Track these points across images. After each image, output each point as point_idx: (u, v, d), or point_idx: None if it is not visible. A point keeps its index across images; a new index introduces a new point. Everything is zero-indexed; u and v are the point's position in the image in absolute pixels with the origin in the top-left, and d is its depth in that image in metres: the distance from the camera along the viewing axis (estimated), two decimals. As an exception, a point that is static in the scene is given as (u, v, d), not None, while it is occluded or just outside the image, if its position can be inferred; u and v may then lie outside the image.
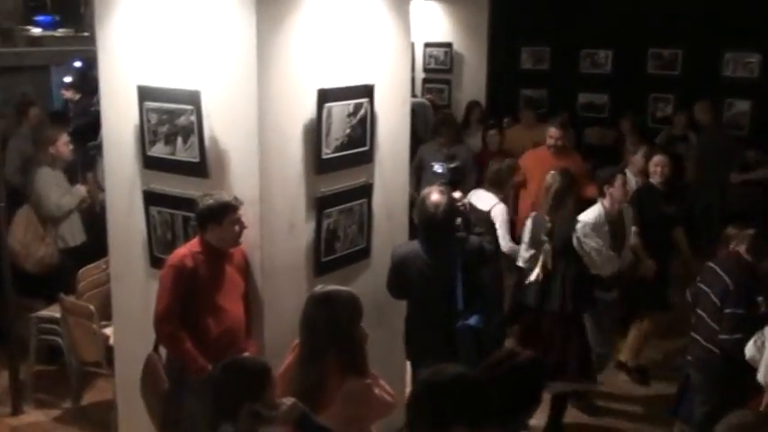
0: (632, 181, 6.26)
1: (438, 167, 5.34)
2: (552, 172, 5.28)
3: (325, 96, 4.26)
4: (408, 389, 4.82)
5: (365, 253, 4.78)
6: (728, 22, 9.74)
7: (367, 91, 4.56)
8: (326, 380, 3.36)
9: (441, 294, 4.37)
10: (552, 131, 6.58)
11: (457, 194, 4.72)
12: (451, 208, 4.37)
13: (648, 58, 10.66)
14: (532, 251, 5.10)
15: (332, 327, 3.37)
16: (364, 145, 4.61)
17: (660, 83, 10.57)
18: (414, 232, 4.83)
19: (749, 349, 4.19)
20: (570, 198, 5.16)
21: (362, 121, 4.56)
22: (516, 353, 2.86)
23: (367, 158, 4.67)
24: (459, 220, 4.54)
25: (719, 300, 4.51)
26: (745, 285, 4.47)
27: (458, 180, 5.50)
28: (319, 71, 4.27)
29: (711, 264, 4.73)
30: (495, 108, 10.27)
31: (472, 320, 4.30)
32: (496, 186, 5.84)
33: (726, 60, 10.15)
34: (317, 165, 4.31)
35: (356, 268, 4.74)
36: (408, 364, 4.85)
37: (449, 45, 10.78)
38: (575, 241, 5.05)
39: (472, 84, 10.64)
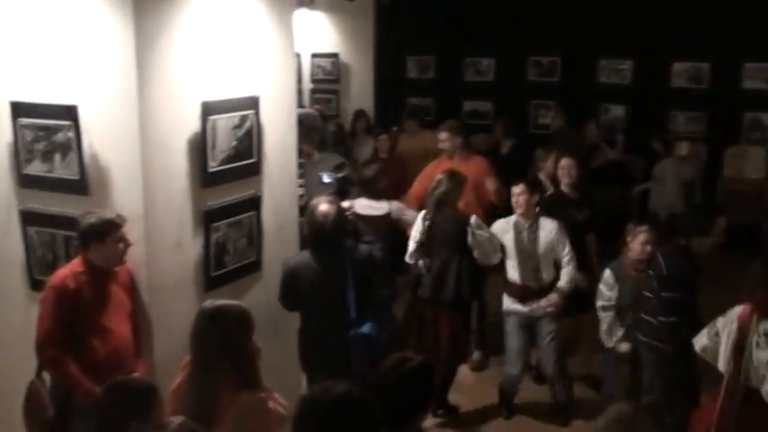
0: (548, 185, 6.47)
1: (326, 177, 5.35)
2: (440, 175, 5.44)
3: (209, 109, 4.21)
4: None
5: (256, 266, 4.74)
6: (602, 31, 10.23)
7: (252, 103, 4.54)
8: (219, 395, 3.32)
9: (333, 304, 4.38)
10: (441, 135, 6.71)
11: (345, 204, 4.75)
12: (340, 217, 4.40)
13: (528, 65, 11.05)
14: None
15: (223, 341, 3.33)
16: (251, 157, 4.58)
17: (540, 90, 10.96)
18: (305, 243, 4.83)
19: (700, 341, 4.24)
20: (454, 198, 5.43)
21: (249, 133, 4.53)
22: (407, 359, 2.90)
23: (254, 170, 4.64)
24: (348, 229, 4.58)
25: (657, 284, 4.72)
26: (678, 271, 4.69)
27: (346, 190, 5.53)
28: (203, 83, 4.22)
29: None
30: (383, 117, 10.40)
31: (365, 329, 4.33)
32: (371, 192, 5.92)
33: (600, 67, 10.63)
34: (204, 178, 4.26)
35: (247, 281, 4.70)
36: (304, 375, 4.84)
37: (335, 55, 10.83)
38: (468, 236, 5.29)
39: (359, 93, 10.72)
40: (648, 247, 5.04)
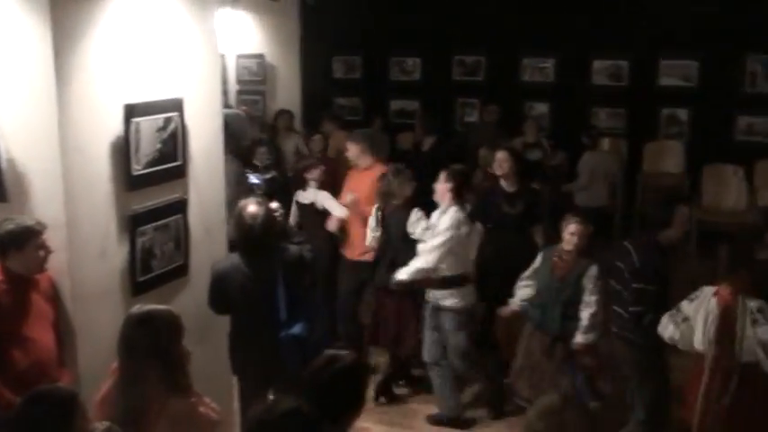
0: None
1: (254, 178, 5.31)
2: (385, 172, 5.88)
3: (131, 111, 4.13)
4: (236, 404, 4.78)
5: (184, 270, 4.67)
6: (525, 30, 10.43)
7: (176, 104, 4.47)
8: (149, 402, 3.26)
9: (263, 306, 4.36)
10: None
11: (274, 205, 4.72)
12: (269, 219, 4.37)
13: (453, 64, 11.17)
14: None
15: (152, 346, 3.28)
16: (176, 159, 4.51)
17: (465, 88, 11.10)
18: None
19: (667, 331, 4.37)
20: (399, 192, 5.71)
21: (173, 135, 4.46)
22: (337, 357, 2.91)
23: (180, 173, 4.57)
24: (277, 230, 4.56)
25: (629, 275, 4.82)
26: (651, 263, 4.78)
27: (275, 190, 5.51)
28: (125, 85, 4.13)
29: (625, 242, 5.04)
30: (310, 117, 10.39)
31: (296, 330, 4.32)
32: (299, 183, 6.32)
33: (524, 66, 10.83)
34: (128, 182, 4.18)
35: (175, 286, 4.62)
36: (235, 378, 4.79)
37: (261, 56, 10.77)
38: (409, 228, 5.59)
39: (286, 94, 10.69)
40: (576, 238, 5.17)
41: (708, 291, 4.27)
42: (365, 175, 6.28)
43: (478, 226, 6.24)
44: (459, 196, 5.48)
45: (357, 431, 2.99)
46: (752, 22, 9.35)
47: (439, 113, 10.94)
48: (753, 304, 4.11)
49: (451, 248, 5.38)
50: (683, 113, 10.18)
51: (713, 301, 4.19)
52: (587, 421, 2.41)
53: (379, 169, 6.23)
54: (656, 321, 4.56)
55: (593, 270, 5.16)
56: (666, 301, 4.72)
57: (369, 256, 6.02)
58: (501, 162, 6.34)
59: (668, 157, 10.14)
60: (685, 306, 4.35)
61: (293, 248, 4.59)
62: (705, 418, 4.13)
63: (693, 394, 4.28)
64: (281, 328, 4.30)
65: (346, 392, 2.88)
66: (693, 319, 4.26)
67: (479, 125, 10.26)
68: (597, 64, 10.46)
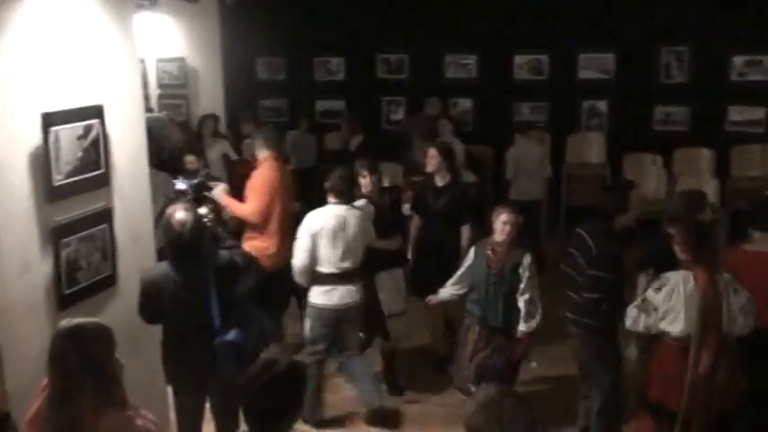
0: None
1: (180, 184, 5.20)
2: None
3: (50, 120, 4.01)
4: (172, 414, 4.70)
5: (112, 280, 4.56)
6: (446, 27, 10.54)
7: (96, 111, 4.36)
8: (82, 418, 3.16)
9: (196, 313, 4.28)
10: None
11: (203, 210, 4.65)
12: (198, 224, 4.29)
13: (377, 63, 11.20)
14: None
15: (83, 361, 3.18)
16: (99, 168, 4.40)
17: (390, 87, 11.15)
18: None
19: (637, 321, 4.40)
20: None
21: (95, 143, 4.35)
22: (274, 361, 2.88)
23: (104, 181, 4.46)
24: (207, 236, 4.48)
25: (585, 262, 4.89)
26: (606, 251, 4.86)
27: (203, 196, 5.40)
28: (42, 94, 4.00)
29: (580, 230, 5.08)
30: (235, 120, 10.27)
31: (231, 336, 4.26)
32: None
33: (446, 63, 10.94)
34: (49, 193, 4.05)
35: (103, 297, 4.51)
36: (170, 388, 4.71)
37: (182, 60, 10.58)
38: None
39: (209, 97, 10.52)
40: (508, 227, 5.26)
41: (674, 277, 4.30)
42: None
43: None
44: (336, 195, 5.48)
45: (298, 434, 2.97)
46: (665, 16, 9.66)
47: (365, 112, 10.99)
48: (728, 277, 4.25)
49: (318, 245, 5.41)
50: (602, 105, 10.45)
51: (691, 286, 4.22)
52: (526, 410, 2.43)
53: (269, 164, 6.21)
54: (613, 308, 4.69)
55: (527, 258, 5.27)
56: (622, 287, 4.88)
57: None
58: (431, 158, 6.45)
59: (590, 148, 10.40)
60: (652, 296, 4.37)
61: (224, 254, 4.52)
62: (696, 398, 4.20)
63: (662, 374, 4.35)
64: (216, 335, 4.24)
65: (285, 396, 2.86)
66: (667, 308, 4.28)
67: (420, 119, 10.17)
68: (518, 59, 10.64)
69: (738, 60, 9.76)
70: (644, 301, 4.41)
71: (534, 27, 10.27)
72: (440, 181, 6.43)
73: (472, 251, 5.53)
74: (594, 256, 4.86)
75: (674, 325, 4.27)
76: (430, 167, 6.45)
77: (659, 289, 4.33)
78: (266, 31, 11.14)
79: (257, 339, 4.39)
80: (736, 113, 9.85)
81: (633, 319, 4.43)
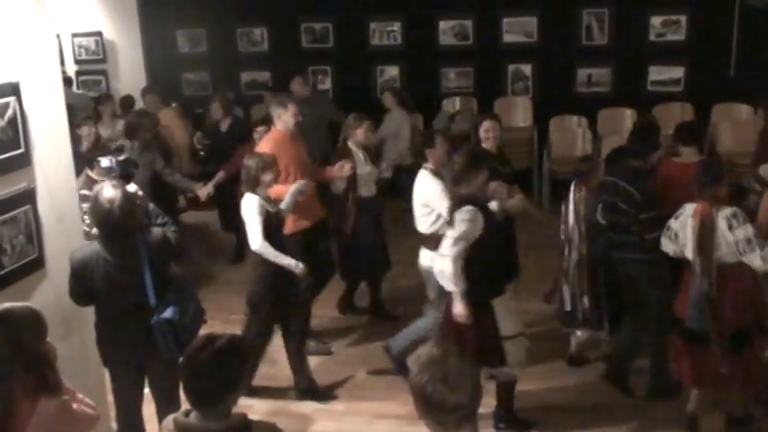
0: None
1: (105, 161, 5.03)
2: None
3: (-37, 99, 3.83)
4: (110, 396, 4.60)
5: (39, 263, 4.41)
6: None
7: (12, 89, 4.17)
8: (15, 405, 3.06)
9: (130, 293, 4.18)
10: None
11: (132, 187, 4.52)
12: (128, 201, 4.17)
13: (302, 32, 11.04)
14: None
15: (13, 348, 3.07)
16: (18, 147, 4.23)
17: (316, 56, 11.02)
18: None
19: (667, 246, 4.89)
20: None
21: (12, 122, 4.17)
22: (215, 337, 2.83)
23: (24, 162, 4.29)
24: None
25: (633, 209, 5.13)
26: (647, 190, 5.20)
27: (130, 172, 5.24)
28: (-48, 71, 3.82)
29: (611, 178, 5.31)
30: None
31: (167, 313, 4.17)
32: None
33: (372, 30, 10.86)
34: (-34, 175, 3.88)
35: (31, 281, 4.36)
36: (106, 371, 4.60)
37: (99, 34, 10.26)
38: None
39: (130, 72, 10.27)
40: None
41: (689, 207, 4.76)
42: None
43: None
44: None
45: (240, 410, 2.94)
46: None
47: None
48: (727, 212, 4.59)
49: None
50: (527, 69, 10.55)
51: (693, 217, 4.67)
52: (470, 367, 2.44)
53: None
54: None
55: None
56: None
57: None
58: (366, 131, 6.61)
59: (517, 112, 10.51)
60: (672, 223, 4.85)
61: (157, 230, 4.42)
62: (707, 316, 4.65)
63: (685, 295, 4.80)
64: (152, 314, 4.15)
65: (226, 372, 2.81)
66: (682, 233, 4.76)
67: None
68: (443, 24, 10.63)
69: (656, 21, 9.98)
70: (668, 228, 4.87)
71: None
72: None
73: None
74: (641, 201, 5.10)
75: (688, 251, 4.73)
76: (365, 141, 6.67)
77: (677, 217, 4.82)
78: (186, 1, 10.86)
79: (195, 316, 4.33)
80: (656, 73, 10.10)
81: (664, 245, 4.92)
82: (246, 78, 11.29)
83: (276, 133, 6.29)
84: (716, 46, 9.72)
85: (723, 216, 4.56)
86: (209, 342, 2.81)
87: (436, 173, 5.56)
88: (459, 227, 4.59)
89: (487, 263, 4.74)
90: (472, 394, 2.42)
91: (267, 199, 5.38)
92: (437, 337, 4.96)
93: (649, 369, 5.46)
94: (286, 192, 5.62)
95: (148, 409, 4.54)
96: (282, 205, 5.52)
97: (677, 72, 10.05)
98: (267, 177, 5.33)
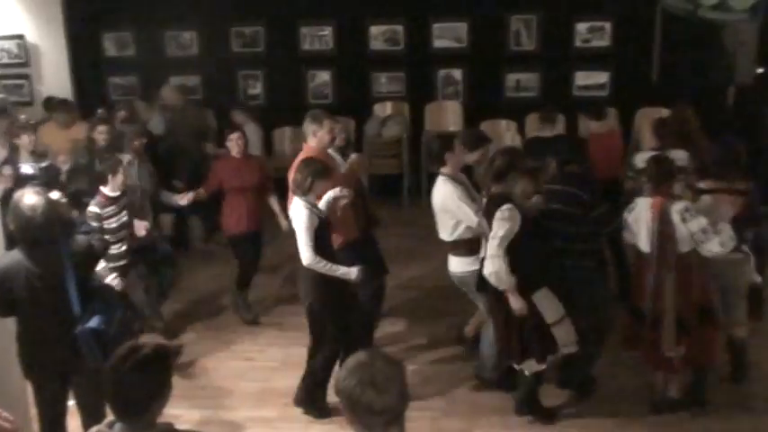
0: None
1: (27, 168, 4.89)
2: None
3: None
4: (33, 410, 4.48)
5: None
6: (302, -1, 10.44)
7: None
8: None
9: (54, 303, 4.08)
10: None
11: (54, 195, 4.42)
12: (51, 209, 4.08)
13: (232, 36, 10.92)
14: None
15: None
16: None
17: (246, 61, 10.92)
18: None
19: (625, 237, 5.24)
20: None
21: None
22: (139, 347, 2.78)
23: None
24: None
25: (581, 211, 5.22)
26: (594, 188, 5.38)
27: (52, 179, 5.12)
28: None
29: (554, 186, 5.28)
30: (83, 100, 9.80)
31: (92, 323, 4.09)
32: None
33: (302, 35, 10.82)
34: None
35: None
36: (27, 383, 4.47)
37: (21, 37, 9.98)
38: None
39: (55, 76, 10.02)
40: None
41: (642, 202, 5.05)
42: None
43: None
44: None
45: (168, 419, 2.90)
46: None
47: (221, 87, 10.74)
48: (679, 206, 4.88)
49: None
50: (457, 74, 10.66)
51: (650, 211, 4.93)
52: (397, 369, 2.47)
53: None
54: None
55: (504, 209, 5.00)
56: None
57: None
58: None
59: (448, 117, 10.61)
60: (626, 215, 5.16)
61: (81, 238, 4.33)
62: (658, 302, 4.94)
63: (642, 283, 5.07)
64: (76, 323, 4.06)
65: (150, 382, 2.77)
66: (635, 226, 5.06)
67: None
68: (374, 29, 10.66)
69: (582, 27, 10.22)
70: (624, 219, 5.17)
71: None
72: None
73: None
74: (589, 200, 5.20)
75: (641, 242, 5.03)
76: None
77: (631, 210, 5.11)
78: (112, 4, 10.64)
79: (120, 326, 4.24)
80: (583, 78, 10.33)
81: (624, 235, 5.23)
82: (176, 83, 11.07)
83: (311, 151, 5.87)
84: (639, 52, 10.00)
85: (676, 210, 4.86)
86: (133, 351, 2.77)
87: (454, 178, 5.54)
88: (503, 225, 4.75)
89: (529, 256, 4.89)
90: (399, 397, 2.44)
91: (315, 205, 5.23)
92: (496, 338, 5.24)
93: (575, 363, 5.41)
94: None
95: (73, 421, 4.43)
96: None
97: (602, 77, 10.29)
98: (320, 186, 5.23)
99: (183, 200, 6.64)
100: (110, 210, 5.36)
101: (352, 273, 5.17)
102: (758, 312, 5.59)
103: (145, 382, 2.72)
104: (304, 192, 5.16)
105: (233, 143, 6.85)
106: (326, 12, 10.56)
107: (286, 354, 6.38)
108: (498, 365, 5.50)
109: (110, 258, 5.42)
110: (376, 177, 10.08)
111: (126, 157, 6.14)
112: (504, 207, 4.77)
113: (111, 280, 5.19)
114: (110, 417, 2.80)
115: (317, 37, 10.79)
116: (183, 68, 10.98)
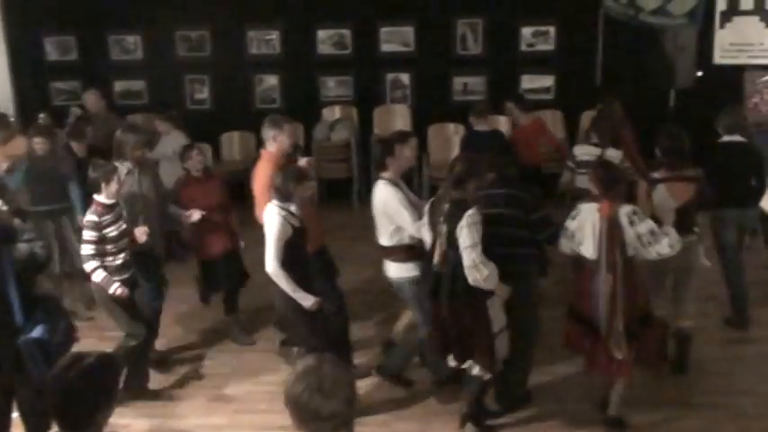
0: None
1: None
2: None
3: None
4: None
5: None
6: (247, 1, 10.38)
7: None
8: None
9: (-5, 313, 4.00)
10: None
11: (-5, 203, 4.33)
12: (-5, 218, 4.00)
13: (177, 40, 10.80)
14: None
15: None
16: None
17: (192, 65, 10.82)
18: None
19: (565, 247, 5.11)
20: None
21: None
22: (83, 355, 2.74)
23: None
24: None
25: (522, 212, 5.14)
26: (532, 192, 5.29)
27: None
28: None
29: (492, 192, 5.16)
30: (25, 106, 9.59)
31: (36, 333, 4.01)
32: None
33: (250, 39, 10.75)
34: None
35: None
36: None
37: (-43, 41, 9.73)
38: None
39: (-6, 82, 9.77)
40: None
41: (586, 208, 5.00)
42: None
43: None
44: None
45: (116, 429, 2.85)
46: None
47: (167, 92, 10.62)
48: (627, 209, 4.88)
49: None
50: (405, 78, 10.72)
51: (597, 216, 4.89)
52: (345, 374, 2.48)
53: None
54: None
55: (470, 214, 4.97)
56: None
57: None
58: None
59: (396, 120, 10.64)
60: (569, 223, 5.08)
61: (23, 247, 4.23)
62: (614, 302, 4.86)
63: (584, 289, 5.03)
64: (19, 333, 3.98)
65: (95, 391, 2.73)
66: (579, 234, 4.99)
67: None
68: (321, 33, 10.65)
69: (527, 31, 10.36)
70: (565, 228, 5.09)
71: (335, 1, 10.34)
72: None
73: None
74: (531, 202, 5.15)
75: (586, 249, 4.94)
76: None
77: (574, 217, 5.05)
78: (53, 6, 10.43)
79: (64, 335, 4.17)
80: (528, 81, 10.47)
81: (561, 243, 5.13)
82: (120, 87, 10.93)
83: (270, 155, 5.83)
84: (582, 56, 10.15)
85: (624, 213, 4.85)
86: (76, 360, 2.73)
87: (394, 182, 5.49)
88: (472, 231, 4.70)
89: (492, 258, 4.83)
90: (347, 402, 2.44)
91: (291, 213, 5.12)
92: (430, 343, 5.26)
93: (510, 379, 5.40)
94: None
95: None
96: None
97: (547, 80, 10.46)
98: (301, 191, 5.15)
99: (193, 217, 6.17)
100: (107, 218, 5.21)
101: (308, 301, 5.07)
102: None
103: (89, 392, 2.68)
104: (285, 198, 5.09)
105: (193, 162, 6.43)
106: (273, 16, 10.52)
107: (238, 360, 6.35)
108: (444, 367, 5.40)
109: (114, 271, 5.27)
110: (325, 181, 10.07)
111: (126, 166, 5.92)
112: (470, 212, 4.72)
113: (114, 290, 5.16)
114: (54, 429, 2.75)
115: (264, 41, 10.75)
116: (127, 73, 10.84)
